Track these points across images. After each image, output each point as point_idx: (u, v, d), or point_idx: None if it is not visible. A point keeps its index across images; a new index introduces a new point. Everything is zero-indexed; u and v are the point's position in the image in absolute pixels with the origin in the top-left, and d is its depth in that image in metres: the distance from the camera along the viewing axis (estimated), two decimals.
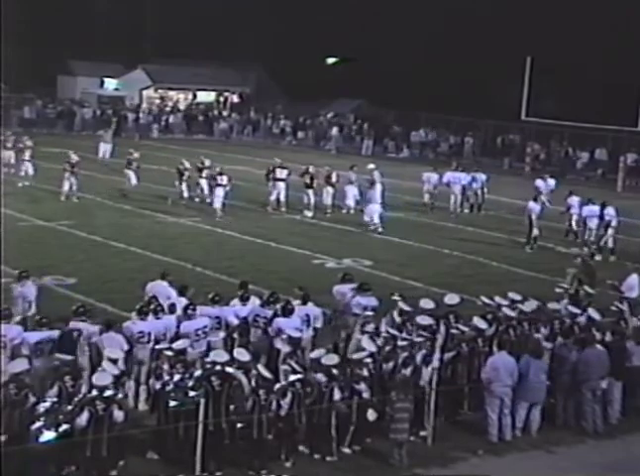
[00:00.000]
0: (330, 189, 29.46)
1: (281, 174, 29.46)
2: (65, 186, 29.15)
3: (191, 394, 11.44)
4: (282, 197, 29.28)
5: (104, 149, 37.99)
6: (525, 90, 44.92)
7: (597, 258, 24.32)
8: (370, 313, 14.75)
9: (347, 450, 12.32)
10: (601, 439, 13.48)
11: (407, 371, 12.77)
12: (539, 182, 31.31)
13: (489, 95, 50.68)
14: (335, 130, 52.19)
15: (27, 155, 31.84)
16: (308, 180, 29.08)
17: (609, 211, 25.62)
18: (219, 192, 27.95)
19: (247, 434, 11.60)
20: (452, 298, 15.16)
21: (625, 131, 42.11)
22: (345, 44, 58.24)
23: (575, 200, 27.40)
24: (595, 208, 26.02)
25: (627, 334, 14.57)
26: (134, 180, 30.47)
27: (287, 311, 14.01)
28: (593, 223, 25.63)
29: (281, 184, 29.31)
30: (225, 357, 11.99)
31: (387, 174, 38.41)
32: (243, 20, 60.92)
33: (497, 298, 15.43)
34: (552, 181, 31.99)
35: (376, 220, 26.78)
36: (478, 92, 50.67)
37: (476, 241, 26.34)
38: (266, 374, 11.82)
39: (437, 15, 56.47)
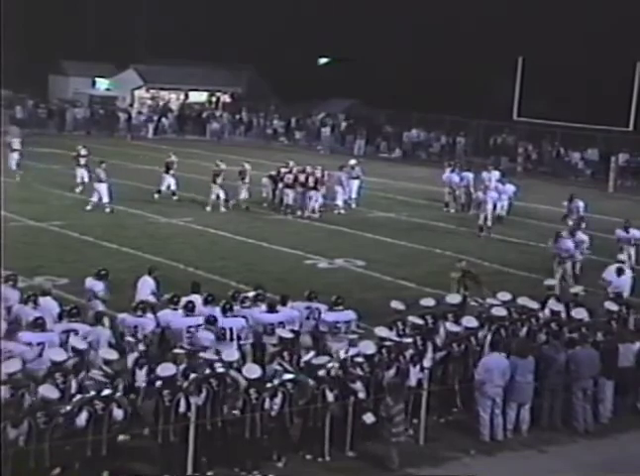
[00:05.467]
0: (322, 189, 29.50)
1: (288, 179, 29.11)
2: (213, 195, 28.84)
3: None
4: (291, 201, 28.99)
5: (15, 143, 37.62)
6: (517, 90, 44.99)
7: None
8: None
9: (351, 453, 12.32)
10: (593, 439, 13.51)
11: (391, 372, 12.78)
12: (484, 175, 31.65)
13: (481, 95, 50.75)
14: (325, 130, 52.18)
15: (82, 161, 30.82)
16: (304, 180, 29.04)
17: None
18: None
19: (239, 434, 11.61)
20: (454, 298, 15.17)
21: (617, 131, 42.20)
22: (337, 44, 58.26)
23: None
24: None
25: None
26: (167, 186, 30.14)
27: (226, 310, 13.96)
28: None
29: (289, 191, 28.97)
30: (215, 356, 12.06)
31: (380, 174, 38.57)
32: (235, 20, 60.88)
33: (489, 299, 15.51)
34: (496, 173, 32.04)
35: (105, 200, 27.56)
36: (470, 92, 50.70)
37: (467, 241, 26.35)
38: (252, 375, 11.76)
39: (429, 15, 56.49)
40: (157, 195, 30.04)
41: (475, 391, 13.11)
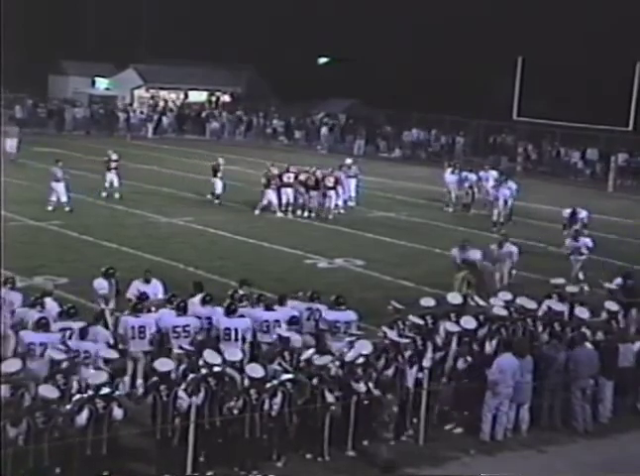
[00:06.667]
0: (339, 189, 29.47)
1: (288, 178, 28.93)
2: (276, 201, 28.61)
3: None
4: (291, 201, 28.79)
5: (10, 143, 37.46)
6: (516, 90, 45.00)
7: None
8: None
9: (351, 453, 12.32)
10: (593, 439, 13.51)
11: (390, 371, 12.78)
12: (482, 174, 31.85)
13: (481, 95, 50.76)
14: (325, 130, 52.18)
15: (112, 166, 30.26)
16: (312, 183, 28.92)
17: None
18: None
19: (238, 434, 11.60)
20: (455, 298, 15.14)
21: (616, 131, 42.22)
22: (337, 44, 58.27)
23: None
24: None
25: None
26: (219, 189, 30.03)
27: (231, 311, 13.99)
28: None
29: (289, 190, 28.75)
30: (217, 358, 12.03)
31: (379, 173, 38.60)
32: (235, 20, 60.90)
33: (492, 299, 15.49)
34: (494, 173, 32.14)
35: (63, 199, 27.30)
36: (470, 92, 50.75)
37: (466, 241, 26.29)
38: (255, 374, 11.77)
39: (429, 15, 56.53)
40: (217, 201, 29.89)
41: (486, 390, 13.08)
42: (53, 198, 27.38)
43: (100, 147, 42.41)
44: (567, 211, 25.04)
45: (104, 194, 29.84)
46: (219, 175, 30.13)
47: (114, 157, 30.65)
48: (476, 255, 19.45)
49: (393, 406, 12.16)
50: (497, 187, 29.39)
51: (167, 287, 15.64)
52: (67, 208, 27.30)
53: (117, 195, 29.80)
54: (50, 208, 27.11)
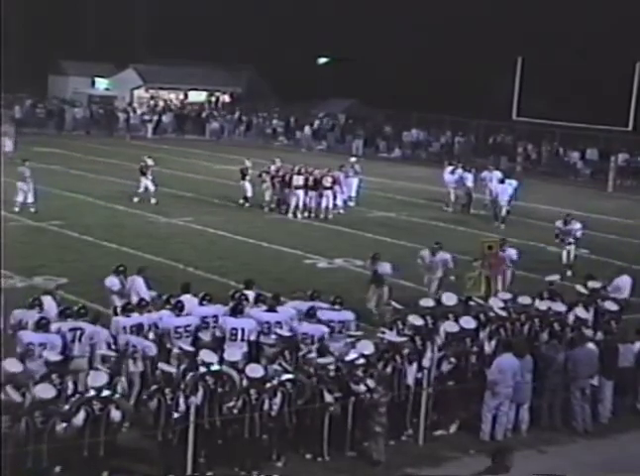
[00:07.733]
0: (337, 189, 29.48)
1: (298, 181, 28.66)
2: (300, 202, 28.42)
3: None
4: (301, 203, 28.55)
5: (8, 143, 37.53)
6: (516, 90, 45.03)
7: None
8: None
9: (351, 453, 12.30)
10: (593, 439, 13.51)
11: (388, 369, 12.79)
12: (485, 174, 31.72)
13: (481, 95, 50.78)
14: (307, 129, 52.03)
15: (148, 173, 29.70)
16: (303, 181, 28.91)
17: None
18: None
19: (238, 434, 11.60)
20: (450, 299, 15.12)
21: (616, 131, 42.24)
22: (337, 44, 58.28)
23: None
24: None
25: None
26: (249, 192, 29.88)
27: (238, 312, 13.99)
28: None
29: (299, 192, 28.56)
30: (213, 357, 12.03)
31: (379, 173, 38.59)
32: (234, 19, 60.93)
33: (491, 299, 15.48)
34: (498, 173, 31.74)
35: (30, 199, 26.84)
36: (470, 92, 50.77)
37: (466, 241, 26.31)
38: (255, 374, 11.76)
39: (429, 15, 56.55)
40: (247, 204, 29.76)
41: (485, 390, 13.08)
42: (20, 199, 26.83)
43: (100, 147, 42.50)
44: (559, 222, 23.93)
45: (136, 200, 29.29)
46: (247, 177, 29.96)
47: (150, 162, 30.23)
48: (385, 269, 18.72)
49: (383, 397, 12.18)
50: (501, 187, 29.44)
51: (168, 287, 15.62)
52: (32, 209, 26.75)
53: (153, 201, 29.23)
54: (16, 209, 26.54)
